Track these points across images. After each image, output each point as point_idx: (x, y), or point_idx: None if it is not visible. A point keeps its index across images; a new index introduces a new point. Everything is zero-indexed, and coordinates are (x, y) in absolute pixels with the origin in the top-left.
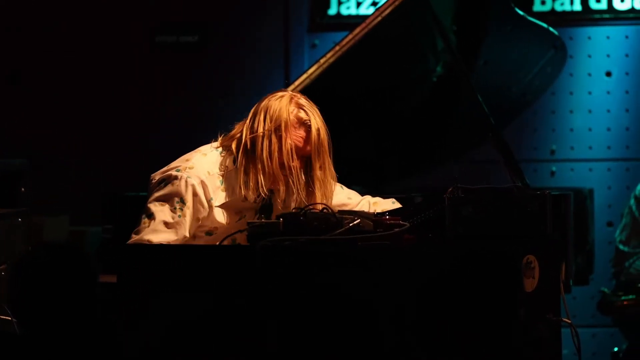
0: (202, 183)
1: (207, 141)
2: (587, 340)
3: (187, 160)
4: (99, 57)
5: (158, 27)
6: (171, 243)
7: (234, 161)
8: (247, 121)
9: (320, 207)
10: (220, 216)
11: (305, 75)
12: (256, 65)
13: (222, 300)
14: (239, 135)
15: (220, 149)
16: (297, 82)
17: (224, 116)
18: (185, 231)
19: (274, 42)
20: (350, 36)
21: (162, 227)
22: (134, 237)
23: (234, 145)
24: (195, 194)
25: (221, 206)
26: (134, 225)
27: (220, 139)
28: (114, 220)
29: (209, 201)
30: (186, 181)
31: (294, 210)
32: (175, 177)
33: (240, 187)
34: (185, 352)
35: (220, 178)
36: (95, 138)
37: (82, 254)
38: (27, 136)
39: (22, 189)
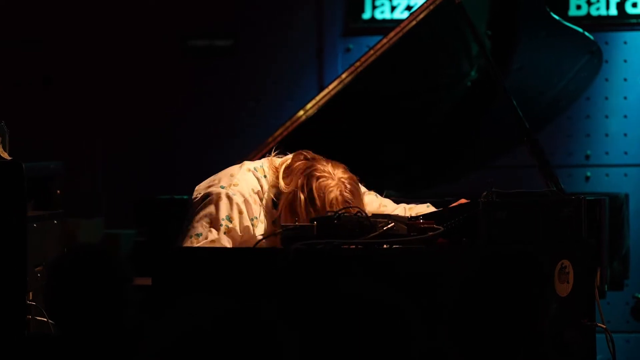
0: (246, 202)
1: (239, 145)
2: (621, 346)
3: (231, 175)
4: (132, 61)
5: (191, 31)
6: None
7: (274, 204)
8: (302, 186)
9: (354, 210)
10: (262, 230)
11: (338, 80)
12: (289, 69)
13: (255, 302)
14: (290, 190)
15: (265, 173)
16: (330, 86)
17: (256, 120)
18: (229, 245)
19: (308, 46)
20: (385, 40)
21: (208, 245)
22: None
23: (283, 189)
24: (240, 212)
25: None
26: (166, 228)
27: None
28: (147, 224)
29: (251, 219)
30: (230, 199)
31: (328, 214)
32: (219, 195)
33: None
34: (215, 354)
35: (262, 197)
36: (129, 141)
37: (116, 256)
38: (61, 139)
39: (57, 192)
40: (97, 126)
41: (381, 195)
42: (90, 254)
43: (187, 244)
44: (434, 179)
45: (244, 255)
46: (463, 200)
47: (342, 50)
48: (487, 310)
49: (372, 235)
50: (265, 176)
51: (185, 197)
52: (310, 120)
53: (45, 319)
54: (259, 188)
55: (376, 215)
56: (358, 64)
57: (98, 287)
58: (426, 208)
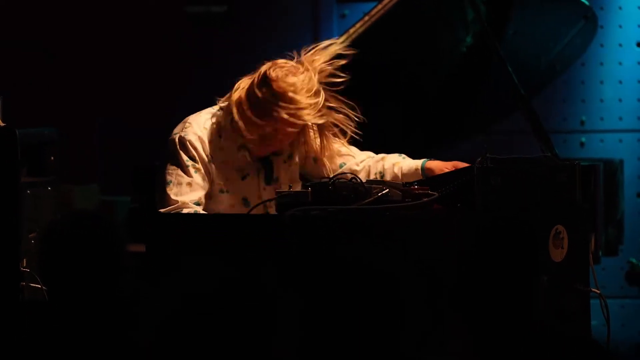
0: (200, 138)
1: None
2: (616, 311)
3: (186, 120)
4: (128, 27)
5: None
6: (201, 199)
7: (231, 121)
8: (248, 84)
9: (349, 176)
10: (221, 173)
11: None
12: (285, 35)
13: (250, 269)
14: (238, 96)
15: (217, 108)
16: None
17: None
18: (206, 184)
19: (303, 12)
20: (380, 6)
21: (185, 188)
22: (165, 210)
23: (234, 106)
24: (196, 149)
25: (219, 164)
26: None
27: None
28: (142, 190)
29: (207, 155)
30: (185, 140)
31: (322, 180)
32: (174, 140)
33: (238, 147)
34: (209, 320)
35: (216, 132)
36: (124, 107)
37: (111, 223)
38: (56, 105)
39: (52, 158)
40: (93, 92)
41: None
42: (84, 220)
43: (167, 195)
44: (430, 145)
45: (238, 221)
46: (459, 164)
47: (338, 16)
48: (482, 276)
49: (366, 201)
50: (215, 108)
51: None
52: None
53: (38, 286)
54: (210, 123)
55: (371, 182)
56: (352, 30)
57: (92, 253)
58: (400, 158)
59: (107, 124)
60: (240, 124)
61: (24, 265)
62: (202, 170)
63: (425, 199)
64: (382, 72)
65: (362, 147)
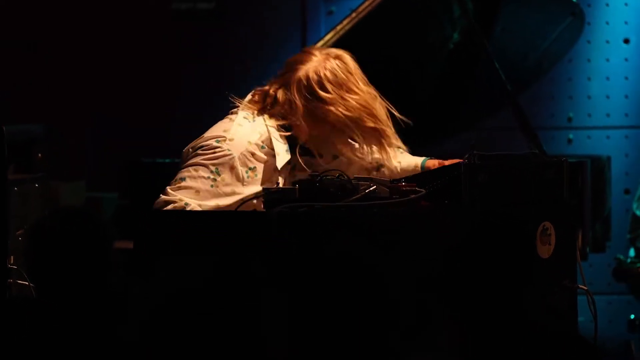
0: (242, 155)
1: (224, 107)
2: (604, 308)
3: (224, 131)
4: (116, 23)
5: None
6: (201, 206)
7: (285, 127)
8: (293, 88)
9: (336, 173)
10: (257, 183)
11: (321, 42)
12: (272, 32)
13: (237, 266)
14: (289, 102)
15: (256, 116)
16: None
17: (241, 83)
18: (214, 198)
19: (291, 9)
20: (367, 3)
21: (192, 193)
22: (163, 197)
23: (283, 111)
24: (232, 168)
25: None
26: (149, 192)
27: (246, 106)
28: (130, 187)
29: (247, 172)
30: (226, 154)
31: (311, 175)
32: (214, 149)
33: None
34: (196, 317)
35: (261, 144)
36: (112, 104)
37: (98, 219)
38: (43, 102)
39: (39, 155)
40: (80, 88)
41: None
42: (71, 217)
43: (171, 186)
44: (417, 142)
45: (226, 217)
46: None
47: (325, 13)
48: (470, 272)
49: (354, 198)
50: (254, 117)
51: (167, 160)
52: None
53: (26, 283)
54: (256, 138)
55: (358, 178)
56: (339, 26)
57: (79, 250)
58: (398, 152)
59: (93, 121)
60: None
61: (11, 262)
62: (220, 187)
63: (413, 196)
64: (369, 69)
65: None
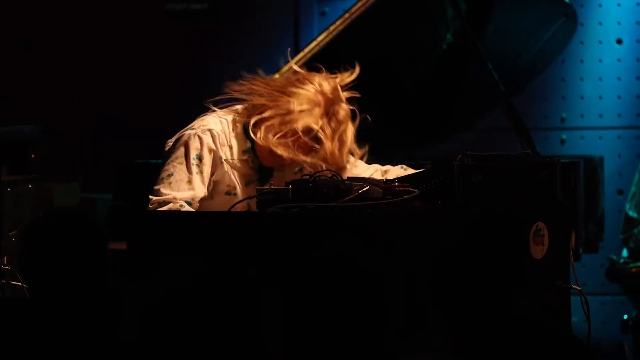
0: (214, 139)
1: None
2: (597, 308)
3: (201, 119)
4: (110, 24)
5: None
6: (195, 200)
7: (245, 132)
8: (277, 100)
9: (329, 174)
10: (231, 176)
11: (314, 43)
12: (266, 32)
13: (231, 266)
14: (262, 112)
15: (232, 116)
16: (306, 50)
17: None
18: (204, 188)
19: (284, 10)
20: (360, 3)
21: (184, 185)
22: (156, 198)
23: (253, 120)
24: (210, 150)
25: (229, 166)
26: (143, 193)
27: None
28: (124, 188)
29: (217, 157)
30: (201, 138)
31: (303, 178)
32: (189, 136)
33: (249, 157)
34: (191, 318)
35: (234, 140)
36: (106, 105)
37: (92, 220)
38: (37, 103)
39: (33, 156)
40: (74, 89)
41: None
42: (65, 218)
43: (161, 186)
44: (411, 143)
45: (220, 218)
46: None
47: (318, 14)
48: (463, 273)
49: (347, 198)
50: (231, 116)
51: (161, 161)
52: None
53: (19, 284)
54: (229, 131)
55: (352, 179)
56: (332, 27)
57: (73, 251)
58: (402, 170)
59: (87, 122)
60: (274, 140)
61: (5, 263)
62: (205, 172)
63: (406, 196)
64: (362, 69)
65: None
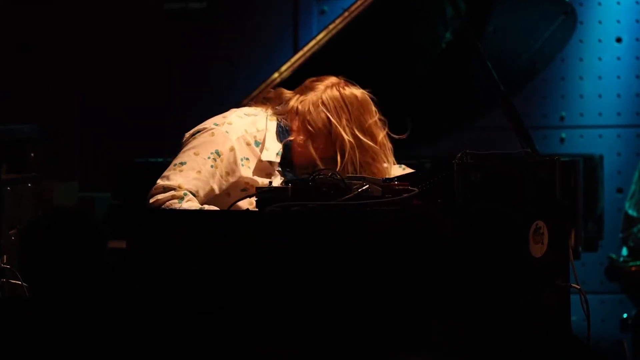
0: (239, 139)
1: (216, 107)
2: (596, 307)
3: (224, 117)
4: (109, 24)
5: None
6: (199, 192)
7: (280, 132)
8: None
9: (329, 172)
10: (250, 173)
11: (313, 42)
12: (265, 31)
13: (230, 264)
14: (306, 113)
15: (260, 112)
16: (305, 49)
17: (232, 83)
18: (214, 184)
19: (283, 9)
20: (359, 2)
21: (193, 174)
22: (161, 182)
23: (294, 121)
24: (231, 149)
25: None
26: (143, 192)
27: (255, 105)
28: (123, 187)
29: (241, 159)
30: (225, 134)
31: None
32: (213, 130)
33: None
34: (190, 316)
35: (255, 139)
36: (105, 104)
37: (91, 219)
38: (36, 102)
39: (32, 155)
40: (73, 88)
41: None
42: (65, 217)
43: (171, 172)
44: (410, 141)
45: (219, 217)
46: None
47: (318, 13)
48: (463, 272)
49: (346, 197)
50: (258, 115)
51: (160, 160)
52: (285, 82)
53: (19, 282)
54: (254, 130)
55: (351, 177)
56: (332, 26)
57: (72, 250)
58: (401, 170)
59: (86, 121)
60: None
61: (5, 262)
62: (220, 168)
63: (405, 195)
64: (362, 67)
65: None
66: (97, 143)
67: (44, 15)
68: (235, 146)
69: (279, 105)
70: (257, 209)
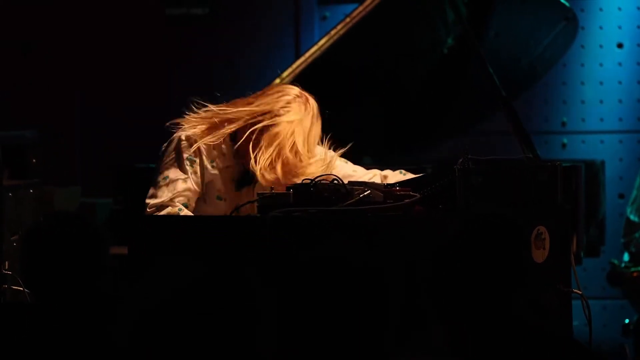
0: (206, 144)
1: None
2: (598, 312)
3: (189, 122)
4: (110, 28)
5: None
6: (190, 200)
7: (232, 138)
8: (255, 106)
9: (330, 178)
10: (220, 180)
11: (315, 47)
12: (266, 37)
13: (232, 270)
14: (246, 118)
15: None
16: (307, 54)
17: (233, 88)
18: (199, 188)
19: (285, 14)
20: (361, 8)
21: (180, 185)
22: (153, 202)
23: (235, 125)
24: (200, 152)
25: (219, 171)
26: (144, 197)
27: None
28: (124, 192)
29: (209, 160)
30: (189, 138)
31: (304, 182)
32: (180, 139)
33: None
34: (191, 322)
35: (221, 144)
36: (106, 109)
37: (93, 224)
38: (38, 107)
39: (33, 160)
40: (74, 93)
41: (358, 162)
42: (66, 222)
43: (158, 190)
44: (411, 146)
45: (220, 222)
46: None
47: (319, 18)
48: (464, 277)
49: (348, 202)
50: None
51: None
52: None
53: (21, 288)
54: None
55: (353, 183)
56: (333, 31)
57: (74, 256)
58: (401, 175)
59: (87, 126)
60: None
61: (6, 267)
62: (199, 172)
63: (407, 200)
64: (364, 73)
65: (343, 146)
66: (98, 148)
67: (47, 18)
68: (202, 149)
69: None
70: (259, 214)
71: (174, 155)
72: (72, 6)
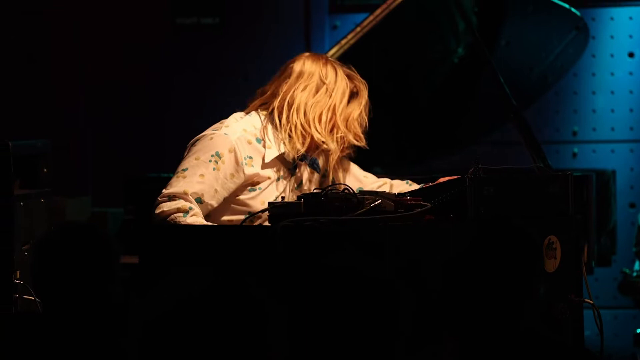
0: (240, 139)
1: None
2: (609, 322)
3: (221, 122)
4: (120, 38)
5: (178, 8)
6: (204, 196)
7: (272, 120)
8: (289, 81)
9: (341, 187)
10: (255, 170)
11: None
12: (277, 46)
13: (242, 279)
14: (280, 95)
15: (252, 113)
16: None
17: (244, 97)
18: (218, 186)
19: (295, 24)
20: (371, 17)
21: (196, 178)
22: (166, 191)
23: (275, 104)
24: (231, 150)
25: (266, 162)
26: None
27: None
28: (135, 202)
29: (244, 158)
30: (224, 137)
31: (314, 190)
32: (211, 134)
33: (282, 144)
34: (200, 331)
35: (257, 136)
36: (117, 119)
37: (104, 234)
38: (49, 117)
39: (44, 170)
40: (85, 103)
41: (369, 171)
42: (77, 232)
43: (174, 180)
44: (422, 156)
45: (230, 232)
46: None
47: (330, 28)
48: (475, 286)
49: (359, 212)
50: (251, 113)
51: (173, 175)
52: None
53: (32, 298)
54: (252, 129)
55: (363, 192)
56: (344, 41)
57: (85, 265)
58: (407, 186)
59: (98, 136)
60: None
61: (17, 277)
62: (222, 170)
63: (418, 210)
64: (374, 82)
65: (354, 156)
66: (109, 157)
67: (57, 29)
68: (235, 146)
69: (265, 102)
70: (270, 224)
71: (199, 149)
72: (83, 16)
